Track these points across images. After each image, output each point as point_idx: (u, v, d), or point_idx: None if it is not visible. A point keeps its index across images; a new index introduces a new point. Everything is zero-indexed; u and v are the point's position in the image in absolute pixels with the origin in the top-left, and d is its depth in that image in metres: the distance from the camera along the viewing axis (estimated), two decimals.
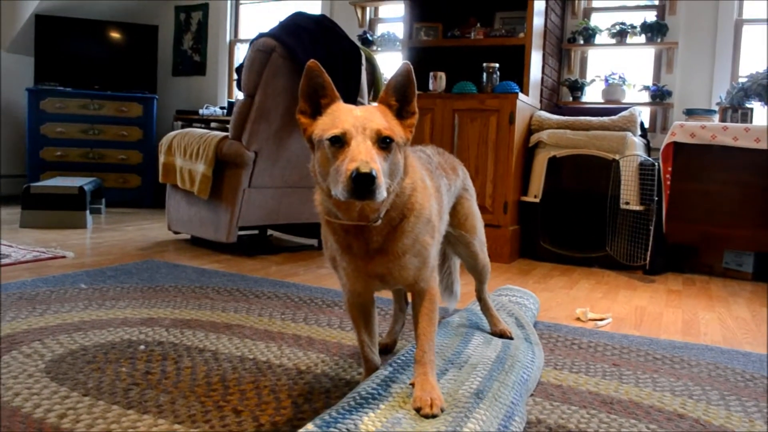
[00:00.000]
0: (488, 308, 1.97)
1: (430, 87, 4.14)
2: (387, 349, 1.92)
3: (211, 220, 3.73)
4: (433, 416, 1.26)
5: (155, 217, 5.44)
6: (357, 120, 1.18)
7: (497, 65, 4.02)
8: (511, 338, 1.91)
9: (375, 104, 1.30)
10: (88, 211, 4.59)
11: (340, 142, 1.17)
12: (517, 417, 1.37)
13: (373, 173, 1.09)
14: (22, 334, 1.95)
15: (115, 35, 6.17)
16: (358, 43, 5.57)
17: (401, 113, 1.29)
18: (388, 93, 1.27)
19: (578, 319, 2.51)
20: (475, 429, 1.21)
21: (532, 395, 1.62)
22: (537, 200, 4.00)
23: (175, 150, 3.90)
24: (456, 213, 1.82)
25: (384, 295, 2.53)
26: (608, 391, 1.68)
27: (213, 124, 6.00)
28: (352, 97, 3.60)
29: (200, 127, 5.90)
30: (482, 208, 3.86)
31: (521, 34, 4.09)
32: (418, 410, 1.27)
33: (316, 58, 3.56)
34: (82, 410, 1.43)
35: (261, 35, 3.42)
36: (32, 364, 1.70)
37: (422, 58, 4.44)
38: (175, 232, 4.21)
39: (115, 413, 1.42)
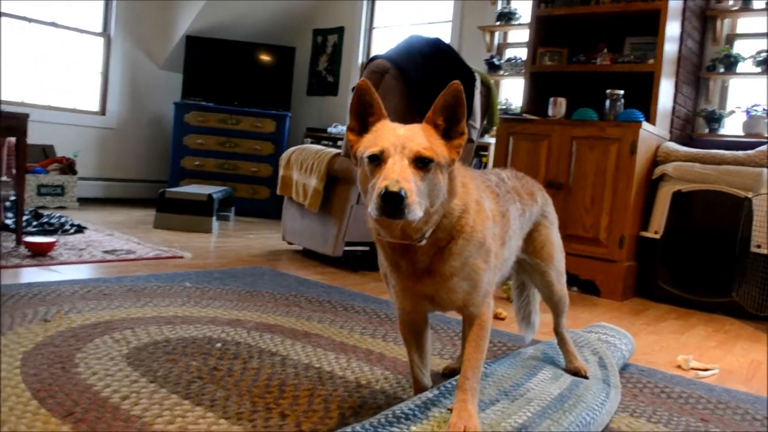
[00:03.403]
0: (565, 343, 1.86)
1: (550, 113, 4.02)
2: (454, 373, 1.87)
3: (320, 233, 3.85)
4: None
5: (278, 227, 5.70)
6: (397, 139, 1.18)
7: (622, 92, 3.82)
8: (585, 377, 1.78)
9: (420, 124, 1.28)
10: (214, 218, 4.90)
11: (377, 160, 1.17)
12: None
13: (402, 193, 1.08)
14: (118, 322, 2.12)
15: (255, 56, 6.60)
16: (485, 68, 5.56)
17: (449, 133, 1.26)
18: (435, 112, 1.25)
19: (679, 366, 2.30)
20: None
21: None
22: (657, 236, 3.73)
23: (293, 164, 4.08)
24: (532, 240, 1.74)
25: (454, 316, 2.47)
26: None
27: (340, 142, 6.22)
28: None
29: (328, 145, 6.15)
30: (596, 241, 3.69)
31: (651, 61, 3.87)
32: None
33: (428, 81, 3.60)
34: (144, 395, 1.52)
35: (375, 57, 3.51)
36: (117, 349, 1.84)
37: (544, 84, 4.33)
38: (289, 243, 4.39)
39: (172, 401, 1.50)
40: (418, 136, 1.19)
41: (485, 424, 1.32)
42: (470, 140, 3.66)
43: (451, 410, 1.31)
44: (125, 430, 1.33)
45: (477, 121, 3.67)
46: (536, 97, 4.29)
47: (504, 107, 5.30)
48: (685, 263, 3.68)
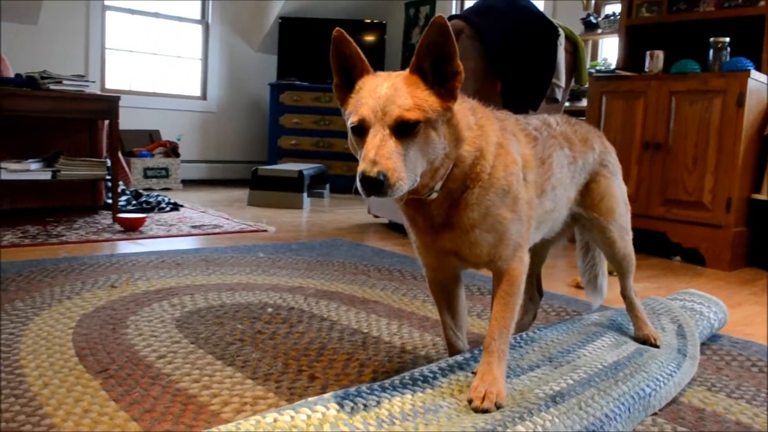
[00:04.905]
0: (634, 308, 1.68)
1: (646, 67, 3.69)
2: None
3: None
4: (483, 411, 1.10)
5: None
6: (378, 102, 1.06)
7: (727, 40, 3.43)
8: (655, 346, 1.60)
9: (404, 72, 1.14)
10: (305, 194, 4.96)
11: (360, 131, 1.08)
12: None
13: (380, 177, 0.99)
14: (181, 288, 2.17)
15: (347, 32, 6.58)
16: (580, 27, 5.21)
17: (442, 76, 1.11)
18: (420, 56, 1.10)
19: None
20: None
21: (654, 414, 1.33)
22: None
23: None
24: (589, 192, 1.57)
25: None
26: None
27: None
28: (545, 78, 3.36)
29: None
30: (699, 205, 3.36)
31: (762, 3, 3.44)
32: (470, 402, 1.12)
33: (503, 38, 3.39)
34: (180, 354, 1.53)
35: (451, 17, 3.36)
36: (170, 312, 1.87)
37: (641, 37, 3.98)
38: (375, 216, 4.36)
39: (205, 362, 1.49)
40: (399, 95, 1.07)
41: (516, 391, 1.20)
42: (555, 100, 3.44)
43: (476, 373, 1.20)
44: (150, 386, 1.33)
45: (562, 80, 3.43)
46: (632, 53, 3.96)
47: (602, 68, 4.95)
48: None
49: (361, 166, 1.02)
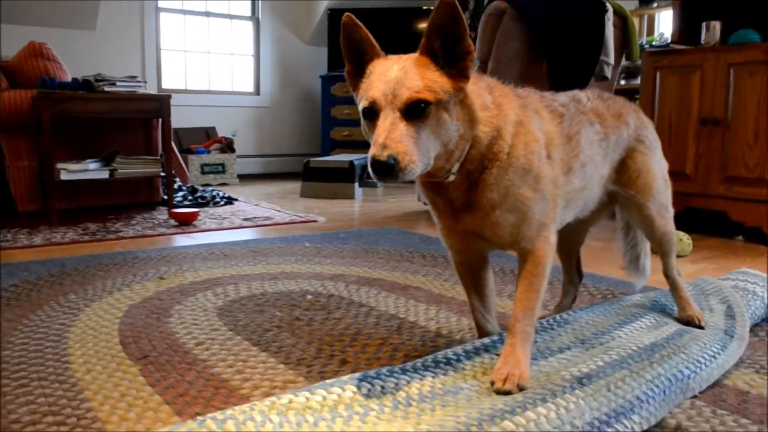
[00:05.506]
0: (677, 288, 1.62)
1: (702, 40, 3.53)
2: None
3: None
4: (505, 393, 1.08)
5: None
6: (388, 85, 1.05)
7: None
8: (700, 327, 1.54)
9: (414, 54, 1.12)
10: (356, 184, 4.99)
11: (371, 114, 1.07)
12: (636, 416, 1.10)
13: (391, 161, 0.99)
14: (226, 278, 2.22)
15: (395, 20, 6.57)
16: (635, 2, 5.04)
17: (453, 57, 1.09)
18: (429, 37, 1.08)
19: None
20: (544, 415, 1.00)
21: (694, 397, 1.28)
22: None
23: None
24: (625, 169, 1.52)
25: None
26: None
27: None
28: (593, 56, 3.26)
29: None
30: (762, 182, 3.21)
31: None
32: (492, 384, 1.11)
33: (547, 17, 3.31)
34: (218, 341, 1.57)
35: None
36: (213, 301, 1.93)
37: (697, 9, 3.80)
38: (425, 204, 4.33)
39: (240, 348, 1.53)
40: (409, 78, 1.05)
41: (542, 373, 1.17)
42: (604, 78, 3.33)
43: (499, 355, 1.18)
44: (185, 371, 1.38)
45: (611, 57, 3.32)
46: (687, 25, 3.79)
47: (658, 43, 4.77)
48: None
49: (372, 150, 1.02)
